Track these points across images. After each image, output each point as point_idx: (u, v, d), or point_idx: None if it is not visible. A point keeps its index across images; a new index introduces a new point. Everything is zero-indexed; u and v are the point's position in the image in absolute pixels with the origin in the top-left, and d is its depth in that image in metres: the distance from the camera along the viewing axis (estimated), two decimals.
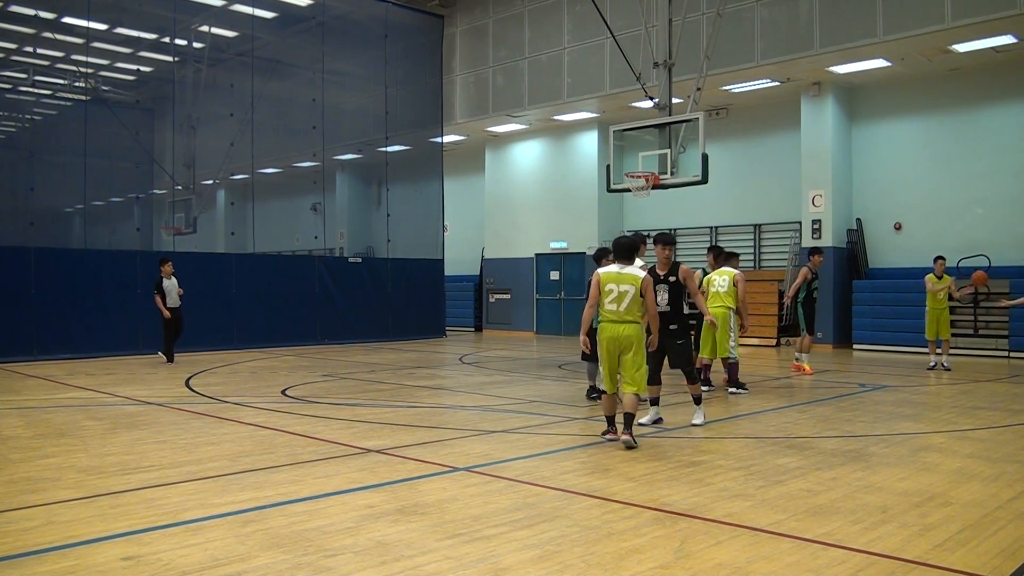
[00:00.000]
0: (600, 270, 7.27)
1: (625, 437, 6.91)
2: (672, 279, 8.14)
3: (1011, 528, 4.65)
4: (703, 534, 4.51)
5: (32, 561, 4.08)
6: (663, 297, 8.04)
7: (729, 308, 10.36)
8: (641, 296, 6.98)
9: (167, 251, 18.70)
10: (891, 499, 5.26)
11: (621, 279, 7.01)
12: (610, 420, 7.23)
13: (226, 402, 9.86)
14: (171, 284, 14.70)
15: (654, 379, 7.93)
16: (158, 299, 14.51)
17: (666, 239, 8.23)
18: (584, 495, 5.37)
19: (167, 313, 14.53)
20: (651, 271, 7.96)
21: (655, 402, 8.29)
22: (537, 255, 23.70)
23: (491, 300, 24.99)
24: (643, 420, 8.23)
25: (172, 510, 5.00)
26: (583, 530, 4.58)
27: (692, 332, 9.09)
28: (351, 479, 5.84)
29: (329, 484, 5.69)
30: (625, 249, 7.17)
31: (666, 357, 8.15)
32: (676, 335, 8.09)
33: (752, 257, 20.35)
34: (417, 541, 4.38)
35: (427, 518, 4.81)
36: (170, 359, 14.77)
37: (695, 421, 8.11)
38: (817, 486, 5.60)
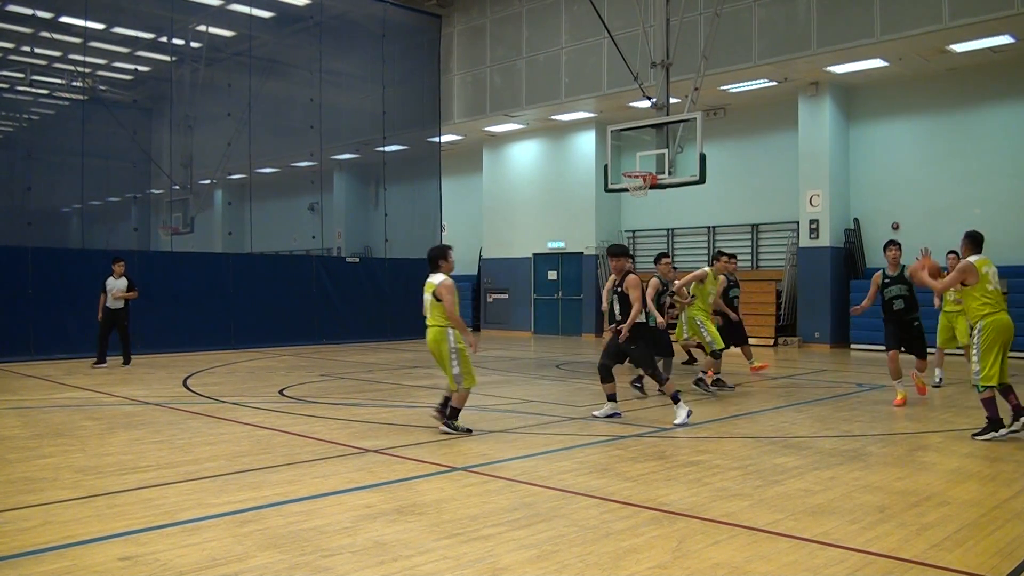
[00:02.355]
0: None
1: (442, 427, 7.60)
2: (620, 289, 8.41)
3: (1008, 527, 4.66)
4: (701, 534, 4.51)
5: (29, 561, 4.08)
6: (617, 307, 8.39)
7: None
8: (438, 300, 7.49)
9: (165, 251, 18.71)
10: (889, 499, 5.27)
11: (425, 287, 7.68)
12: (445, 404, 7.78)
13: (224, 402, 9.85)
14: (115, 284, 13.77)
15: (607, 376, 8.46)
16: (102, 298, 13.79)
17: (611, 250, 8.54)
18: (582, 495, 5.37)
19: (100, 315, 13.76)
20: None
21: (612, 398, 8.54)
22: (535, 255, 23.71)
23: (489, 300, 24.99)
24: (597, 413, 8.58)
25: (170, 510, 5.00)
26: (581, 530, 4.58)
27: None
28: (349, 479, 5.84)
29: (327, 484, 5.68)
30: (430, 260, 7.79)
31: (629, 358, 8.54)
32: (629, 341, 8.32)
33: (750, 257, 20.36)
34: (415, 541, 4.38)
35: (425, 518, 4.81)
36: (101, 360, 13.90)
37: (676, 421, 8.09)
38: (815, 486, 5.61)
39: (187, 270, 17.54)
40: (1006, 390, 7.33)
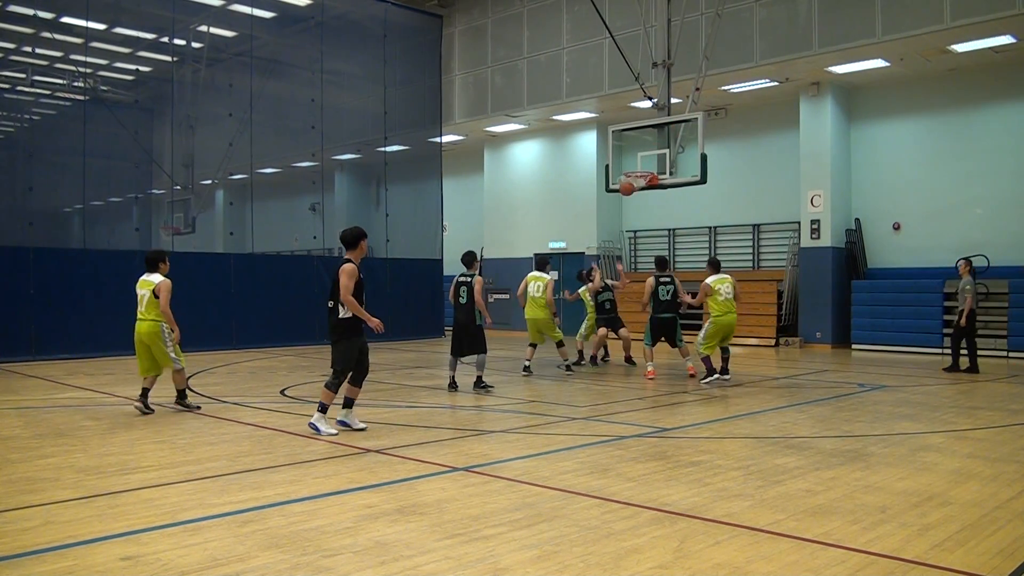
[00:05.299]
0: None
1: (137, 408, 8.82)
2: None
3: (1010, 528, 4.66)
4: (702, 534, 4.51)
5: (31, 561, 4.08)
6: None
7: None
8: (156, 297, 8.79)
9: (166, 251, 18.66)
10: (890, 499, 5.27)
11: (141, 284, 9.00)
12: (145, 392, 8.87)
13: (225, 402, 9.86)
14: None
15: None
16: None
17: (343, 237, 8.02)
18: (583, 495, 5.37)
19: None
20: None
21: (322, 408, 7.80)
22: (536, 255, 23.67)
23: (490, 300, 24.96)
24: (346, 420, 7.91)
25: (171, 510, 5.00)
26: (582, 530, 4.58)
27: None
28: (350, 479, 5.84)
29: (328, 484, 5.68)
30: (148, 261, 9.11)
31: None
32: (333, 337, 7.91)
33: (751, 257, 20.36)
34: (416, 541, 4.38)
35: (426, 518, 4.81)
36: None
37: (319, 427, 7.62)
38: (816, 486, 5.60)
39: (188, 270, 17.49)
40: (724, 351, 11.60)
